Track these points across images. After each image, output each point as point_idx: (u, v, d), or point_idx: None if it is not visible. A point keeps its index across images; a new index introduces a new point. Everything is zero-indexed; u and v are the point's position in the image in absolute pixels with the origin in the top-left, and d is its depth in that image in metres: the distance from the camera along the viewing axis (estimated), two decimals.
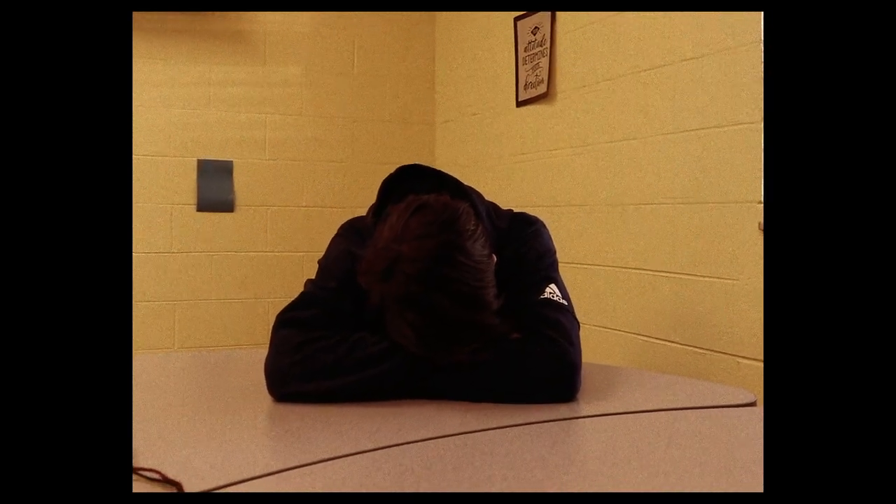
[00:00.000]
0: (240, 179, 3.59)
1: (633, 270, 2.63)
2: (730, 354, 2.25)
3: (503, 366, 1.36)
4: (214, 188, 3.54)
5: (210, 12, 3.51)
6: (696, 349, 2.37)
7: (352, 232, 1.56)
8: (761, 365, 2.15)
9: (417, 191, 1.40)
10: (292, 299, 1.49)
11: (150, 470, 1.01)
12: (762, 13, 2.16)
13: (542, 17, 3.06)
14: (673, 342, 2.47)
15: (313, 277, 1.54)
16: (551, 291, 1.45)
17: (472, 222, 1.32)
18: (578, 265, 2.87)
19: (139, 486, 0.99)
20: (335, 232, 1.63)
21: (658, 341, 2.53)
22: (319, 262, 1.57)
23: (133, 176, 3.42)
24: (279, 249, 3.66)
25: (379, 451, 1.12)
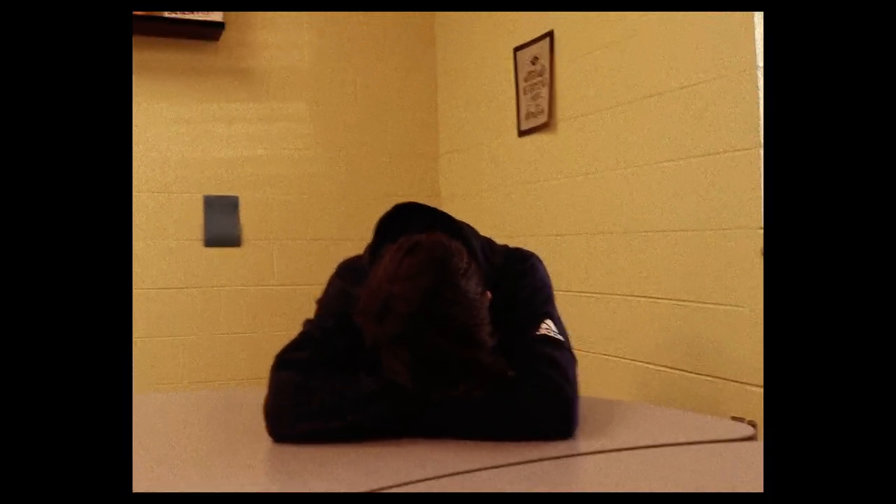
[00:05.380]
0: (246, 214, 3.61)
1: (637, 298, 2.63)
2: (735, 381, 2.24)
3: (499, 403, 1.36)
4: (221, 223, 3.57)
5: (213, 49, 3.55)
6: (702, 377, 2.36)
7: (349, 272, 1.58)
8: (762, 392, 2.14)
9: (412, 229, 1.41)
10: (290, 340, 1.50)
11: None
12: (759, 41, 2.17)
13: (542, 47, 3.08)
14: (678, 370, 2.46)
15: (311, 318, 1.55)
16: (547, 327, 1.45)
17: (465, 260, 1.33)
18: (581, 294, 2.87)
19: None
20: (335, 269, 1.64)
21: (663, 369, 2.52)
22: (318, 301, 1.58)
23: (140, 212, 3.45)
24: (286, 283, 3.67)
25: (377, 493, 1.12)
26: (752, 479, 1.13)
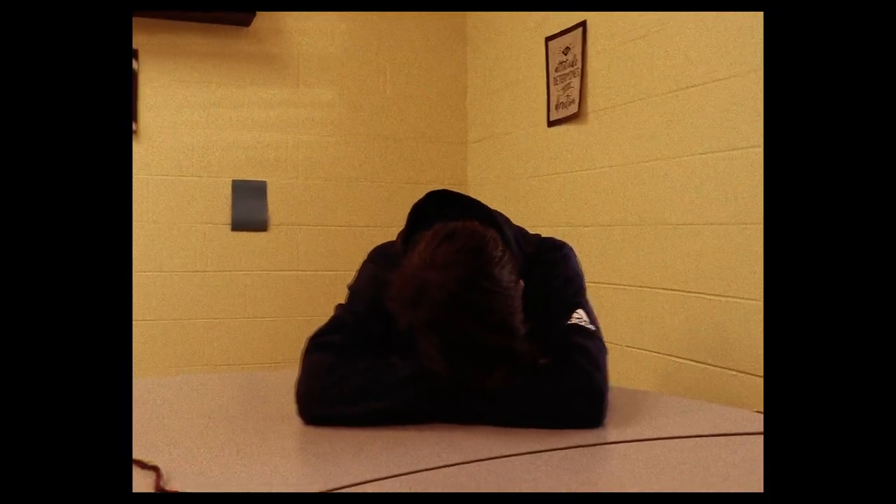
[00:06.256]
0: (273, 199, 3.64)
1: (664, 290, 2.63)
2: (759, 376, 2.24)
3: (531, 391, 1.37)
4: (248, 208, 3.59)
5: (244, 34, 3.57)
6: (726, 370, 2.36)
7: (381, 257, 1.59)
8: None
9: (445, 217, 1.42)
10: (323, 323, 1.52)
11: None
12: None
13: (573, 38, 3.07)
14: (703, 363, 2.46)
15: (343, 302, 1.56)
16: (579, 317, 1.46)
17: (500, 249, 1.34)
18: (609, 285, 2.87)
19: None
20: (366, 255, 1.65)
21: (688, 362, 2.52)
22: (349, 286, 1.59)
23: (169, 196, 3.48)
24: (312, 268, 3.69)
25: (405, 477, 1.13)
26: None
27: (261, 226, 3.62)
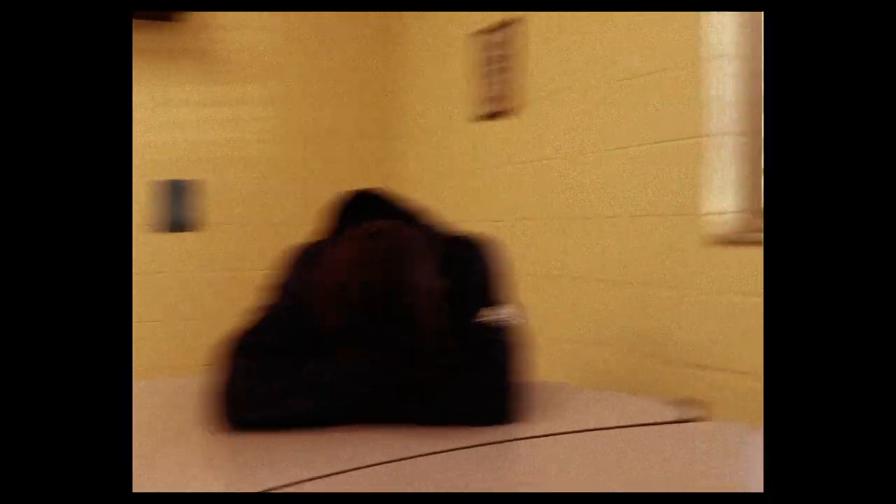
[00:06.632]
0: (203, 199, 3.59)
1: (591, 283, 2.67)
2: (685, 366, 2.29)
3: (451, 389, 1.37)
4: (179, 208, 3.54)
5: (171, 30, 3.52)
6: (649, 360, 2.41)
7: (303, 257, 1.58)
8: (711, 374, 2.19)
9: (369, 215, 1.43)
10: (245, 323, 1.50)
11: None
12: (727, 26, 2.21)
13: (503, 33, 3.09)
14: (627, 353, 2.50)
15: (265, 302, 1.55)
16: (500, 312, 1.47)
17: (421, 248, 1.35)
18: (536, 277, 2.90)
19: None
20: (290, 254, 1.65)
21: (613, 353, 2.57)
22: (272, 286, 1.58)
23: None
24: (246, 268, 3.66)
25: (330, 478, 1.14)
26: (695, 460, 1.17)
27: (190, 226, 3.57)
